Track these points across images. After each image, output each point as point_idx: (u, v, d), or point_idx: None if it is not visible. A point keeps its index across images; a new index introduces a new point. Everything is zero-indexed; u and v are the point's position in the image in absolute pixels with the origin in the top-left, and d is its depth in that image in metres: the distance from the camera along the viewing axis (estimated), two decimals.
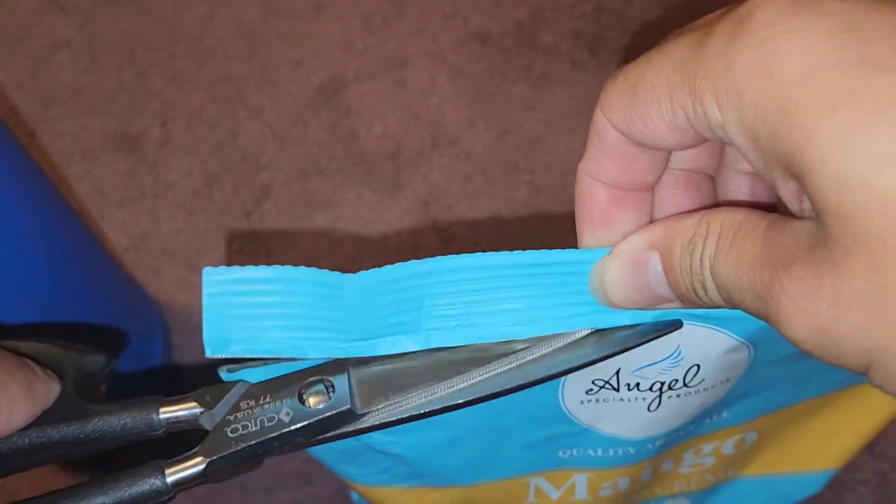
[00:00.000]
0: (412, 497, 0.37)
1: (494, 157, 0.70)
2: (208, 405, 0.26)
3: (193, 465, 0.25)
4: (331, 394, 0.25)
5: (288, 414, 0.25)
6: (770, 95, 0.17)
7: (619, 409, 0.32)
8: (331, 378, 0.25)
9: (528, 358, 0.25)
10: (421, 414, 0.25)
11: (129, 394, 0.27)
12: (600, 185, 0.23)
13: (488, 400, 0.25)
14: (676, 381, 0.31)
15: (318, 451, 0.33)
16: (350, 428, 0.25)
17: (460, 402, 0.25)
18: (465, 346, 0.25)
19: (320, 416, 0.25)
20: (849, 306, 0.16)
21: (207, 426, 0.26)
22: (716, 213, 0.21)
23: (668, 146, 0.21)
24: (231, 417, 0.25)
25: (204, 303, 0.24)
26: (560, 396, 0.31)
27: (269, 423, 0.25)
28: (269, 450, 0.25)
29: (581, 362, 0.25)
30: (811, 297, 0.17)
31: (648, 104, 0.20)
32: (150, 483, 0.24)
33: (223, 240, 0.69)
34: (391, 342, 0.25)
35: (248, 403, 0.25)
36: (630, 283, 0.23)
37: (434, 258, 0.24)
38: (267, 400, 0.25)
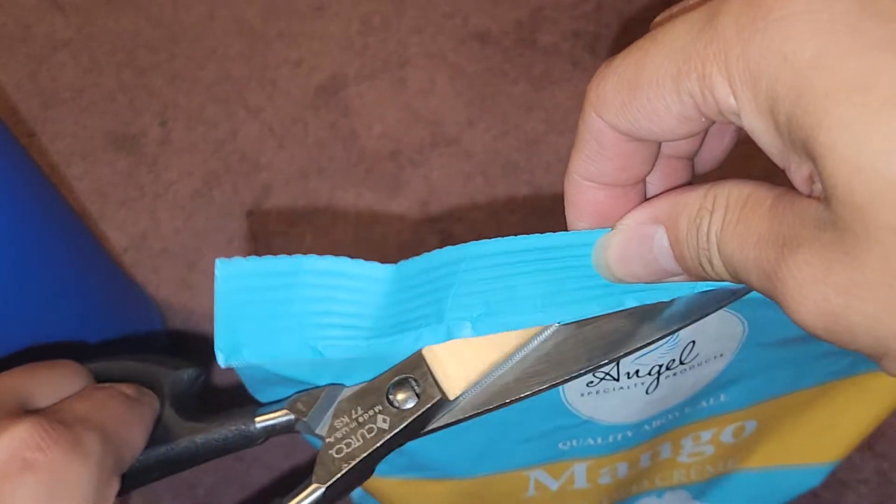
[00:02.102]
0: (412, 488, 0.37)
1: (494, 156, 0.70)
2: (301, 413, 0.26)
3: (310, 494, 0.25)
4: (417, 389, 0.25)
5: (385, 421, 0.25)
6: (785, 81, 0.16)
7: (618, 397, 0.32)
8: (412, 373, 0.25)
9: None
10: (522, 396, 0.25)
11: None
12: (599, 186, 0.23)
13: (578, 376, 0.25)
14: (674, 360, 0.31)
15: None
16: (448, 417, 0.25)
17: (555, 377, 0.25)
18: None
19: (416, 414, 0.25)
20: (861, 295, 0.16)
21: (303, 431, 0.26)
22: (722, 186, 0.20)
23: (678, 137, 0.20)
24: (331, 440, 0.25)
25: (216, 301, 0.23)
26: (561, 390, 0.31)
27: (371, 435, 0.25)
28: (376, 459, 0.25)
29: (649, 339, 0.24)
30: (820, 283, 0.17)
31: (653, 99, 0.19)
32: None
33: (223, 240, 0.69)
34: (414, 337, 0.24)
35: (342, 421, 0.25)
36: (635, 257, 0.23)
37: (466, 244, 0.23)
38: (359, 413, 0.25)
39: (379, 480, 0.36)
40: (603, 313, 0.25)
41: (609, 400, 0.32)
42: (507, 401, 0.25)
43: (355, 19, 0.80)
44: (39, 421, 0.23)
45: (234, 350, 0.23)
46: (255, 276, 0.23)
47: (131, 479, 0.26)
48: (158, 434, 0.26)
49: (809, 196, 0.18)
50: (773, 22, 0.16)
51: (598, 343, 0.25)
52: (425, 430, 0.26)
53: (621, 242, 0.23)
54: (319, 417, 0.26)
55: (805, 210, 0.17)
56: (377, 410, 0.25)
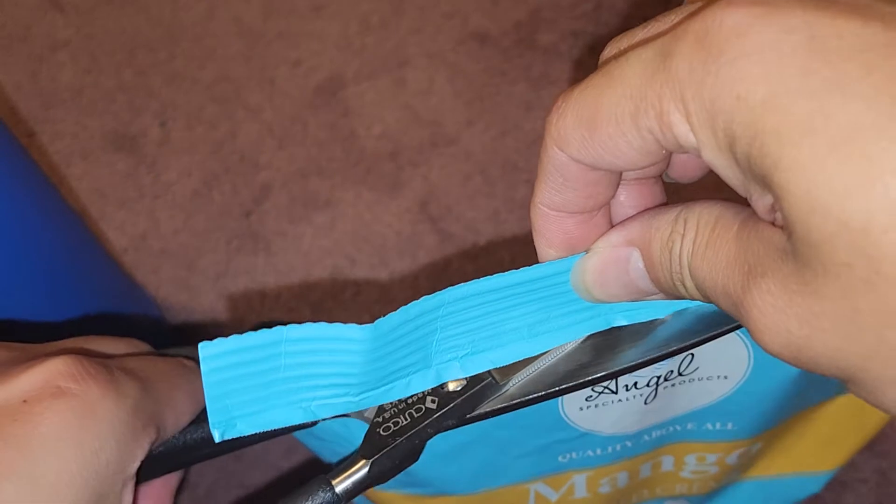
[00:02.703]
0: (412, 503, 0.37)
1: (494, 156, 0.70)
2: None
3: (357, 471, 0.25)
4: None
5: (433, 401, 0.26)
6: (740, 121, 0.16)
7: (617, 409, 0.33)
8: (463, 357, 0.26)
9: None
10: (573, 385, 0.25)
11: None
12: (566, 214, 0.23)
13: (626, 371, 0.25)
14: (672, 371, 0.31)
15: (323, 453, 0.33)
16: (497, 402, 0.26)
17: (615, 369, 0.25)
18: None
19: (465, 395, 0.25)
20: (822, 326, 0.16)
21: (352, 416, 0.26)
22: (692, 210, 0.21)
23: (641, 167, 0.20)
24: (379, 419, 0.26)
25: (204, 381, 0.23)
26: (560, 405, 0.31)
27: (418, 414, 0.26)
28: (423, 438, 0.26)
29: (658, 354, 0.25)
30: (783, 313, 0.17)
31: (614, 136, 0.19)
32: (321, 498, 0.25)
33: (222, 240, 0.69)
34: (404, 385, 0.25)
35: (391, 402, 0.26)
36: (612, 279, 0.23)
37: (442, 291, 0.24)
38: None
39: (378, 494, 0.36)
40: (593, 332, 0.25)
41: (608, 412, 0.33)
42: (556, 389, 0.25)
43: (354, 19, 0.80)
44: (79, 357, 0.24)
45: (228, 426, 0.24)
46: (238, 353, 0.23)
47: (179, 456, 0.26)
48: (201, 416, 0.27)
49: (773, 224, 0.18)
50: (724, 64, 0.17)
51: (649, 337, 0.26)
52: (473, 413, 0.26)
53: (598, 266, 0.23)
54: (372, 412, 0.26)
55: (769, 238, 0.18)
56: (426, 392, 0.26)
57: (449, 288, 0.24)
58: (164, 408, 0.26)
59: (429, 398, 0.26)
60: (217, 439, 0.24)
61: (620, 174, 0.23)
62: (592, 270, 0.24)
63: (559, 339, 0.25)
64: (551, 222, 0.23)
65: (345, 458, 0.26)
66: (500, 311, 0.25)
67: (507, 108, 0.73)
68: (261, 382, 0.24)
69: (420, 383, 0.25)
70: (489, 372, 0.26)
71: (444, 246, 0.66)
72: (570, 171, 0.21)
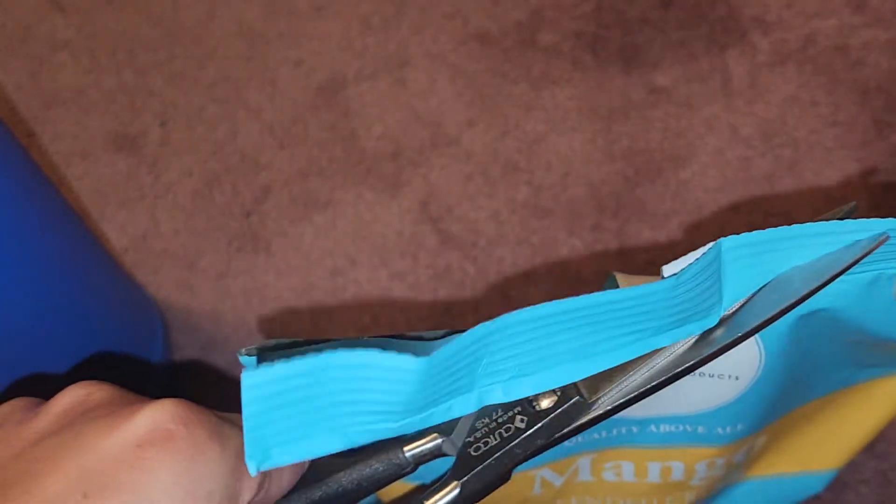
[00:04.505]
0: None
1: (494, 157, 0.70)
2: (445, 432, 0.26)
3: (449, 492, 0.25)
4: (558, 391, 0.26)
5: (523, 420, 0.26)
6: None
7: (626, 385, 0.33)
8: None
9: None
10: (649, 389, 0.25)
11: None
12: None
13: (706, 363, 0.25)
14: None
15: None
16: (584, 419, 0.26)
17: (680, 369, 0.25)
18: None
19: (553, 414, 0.25)
20: None
21: (451, 452, 0.26)
22: None
23: None
24: (471, 439, 0.26)
25: (244, 415, 0.23)
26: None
27: (507, 434, 0.26)
28: (513, 459, 0.26)
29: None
30: None
31: None
32: None
33: (223, 240, 0.69)
34: (445, 409, 0.25)
35: (483, 422, 0.26)
36: None
37: (494, 319, 0.24)
38: (500, 414, 0.26)
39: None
40: (635, 357, 0.26)
41: (618, 389, 0.33)
42: (637, 394, 0.26)
43: (355, 20, 0.80)
44: (184, 401, 0.24)
45: (264, 456, 0.24)
46: (282, 381, 0.23)
47: None
48: (310, 472, 0.27)
49: None
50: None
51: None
52: (563, 431, 0.26)
53: None
54: (463, 430, 0.26)
55: None
56: (516, 411, 0.26)
57: (502, 315, 0.24)
58: (270, 473, 0.26)
59: (518, 417, 0.26)
60: (252, 472, 0.23)
61: None
62: None
63: (600, 363, 0.25)
64: None
65: (436, 481, 0.26)
66: (546, 336, 0.25)
67: (508, 109, 0.73)
68: (300, 410, 0.24)
69: (461, 407, 0.25)
70: (577, 389, 0.26)
71: (444, 246, 0.66)
72: None
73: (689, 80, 0.71)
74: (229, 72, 0.78)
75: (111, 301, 0.56)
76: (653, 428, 0.36)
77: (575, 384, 0.26)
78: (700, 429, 0.37)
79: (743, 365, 0.32)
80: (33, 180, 0.48)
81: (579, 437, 0.36)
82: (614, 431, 0.36)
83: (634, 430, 0.36)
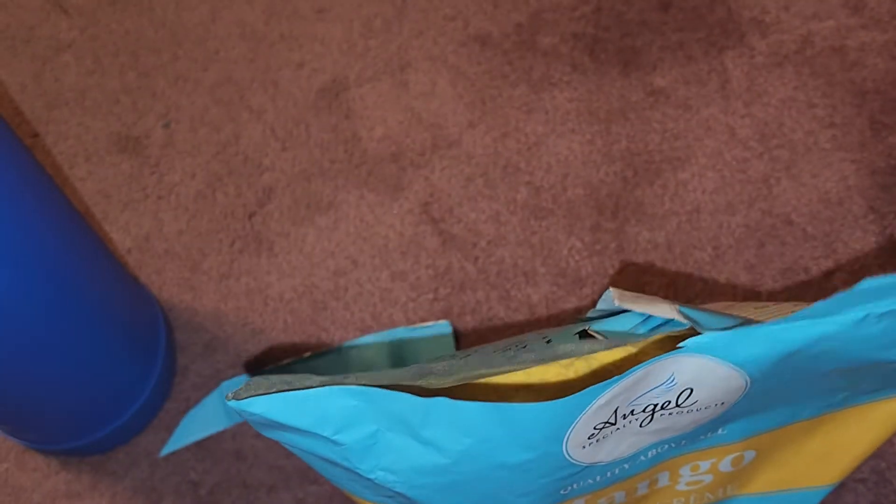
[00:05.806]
0: None
1: (495, 158, 0.71)
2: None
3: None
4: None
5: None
6: None
7: (615, 437, 0.33)
8: None
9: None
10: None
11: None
12: None
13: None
14: (669, 402, 0.32)
15: (329, 474, 0.34)
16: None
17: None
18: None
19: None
20: None
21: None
22: None
23: None
24: None
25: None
26: (564, 448, 0.32)
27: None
28: None
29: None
30: None
31: None
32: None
33: (226, 241, 0.70)
34: None
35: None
36: None
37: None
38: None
39: None
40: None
41: (607, 443, 0.33)
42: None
43: (357, 22, 0.80)
44: None
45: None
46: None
47: None
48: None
49: None
50: None
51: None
52: None
53: None
54: None
55: None
56: None
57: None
58: None
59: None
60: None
61: None
62: None
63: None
64: None
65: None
66: None
67: (509, 110, 0.73)
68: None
69: None
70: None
71: (445, 247, 0.66)
72: None
73: (687, 82, 0.72)
74: (232, 73, 0.78)
75: (114, 301, 0.57)
76: (642, 458, 0.37)
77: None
78: (683, 442, 0.37)
79: (729, 393, 0.33)
80: (38, 181, 0.49)
81: (575, 485, 0.37)
82: (608, 474, 0.37)
83: (626, 466, 0.37)
